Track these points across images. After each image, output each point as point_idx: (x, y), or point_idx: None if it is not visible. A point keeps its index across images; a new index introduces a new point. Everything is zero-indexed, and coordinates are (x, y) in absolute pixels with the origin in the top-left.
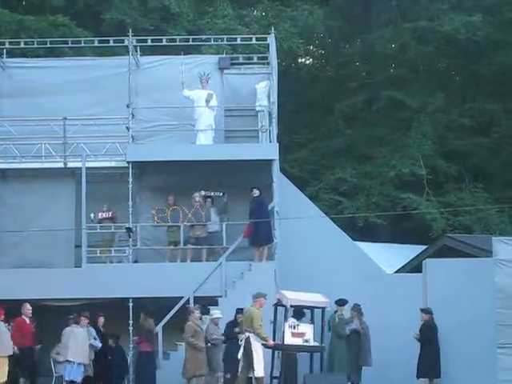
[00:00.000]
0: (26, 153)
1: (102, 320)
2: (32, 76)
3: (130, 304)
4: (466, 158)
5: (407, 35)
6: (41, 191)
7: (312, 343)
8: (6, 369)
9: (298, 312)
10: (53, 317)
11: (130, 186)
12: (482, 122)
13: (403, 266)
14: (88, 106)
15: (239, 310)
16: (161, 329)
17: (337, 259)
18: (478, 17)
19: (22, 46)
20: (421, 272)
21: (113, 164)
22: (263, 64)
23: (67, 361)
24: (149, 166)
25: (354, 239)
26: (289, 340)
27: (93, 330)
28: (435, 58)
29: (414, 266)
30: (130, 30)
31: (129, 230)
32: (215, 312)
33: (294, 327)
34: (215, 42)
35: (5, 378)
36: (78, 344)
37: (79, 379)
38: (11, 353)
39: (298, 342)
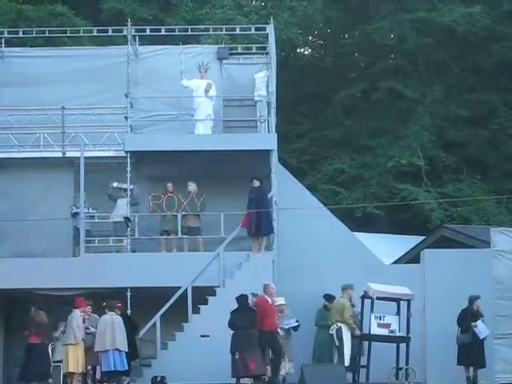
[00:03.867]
0: (25, 142)
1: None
2: (30, 65)
3: (128, 294)
4: (465, 149)
5: (406, 26)
6: (39, 180)
7: (398, 334)
8: (77, 358)
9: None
10: (49, 306)
11: (129, 175)
12: (481, 113)
13: (401, 257)
14: (86, 96)
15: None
16: (159, 319)
17: (335, 249)
18: (478, 8)
19: (21, 35)
20: (419, 262)
21: (111, 154)
22: (262, 54)
23: (106, 351)
24: (147, 155)
25: (352, 230)
26: (375, 330)
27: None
28: (434, 49)
29: (412, 257)
30: (129, 20)
31: (127, 219)
32: (279, 299)
33: (380, 318)
34: (214, 32)
35: (80, 369)
36: (119, 332)
37: (127, 367)
38: (78, 341)
39: (384, 332)
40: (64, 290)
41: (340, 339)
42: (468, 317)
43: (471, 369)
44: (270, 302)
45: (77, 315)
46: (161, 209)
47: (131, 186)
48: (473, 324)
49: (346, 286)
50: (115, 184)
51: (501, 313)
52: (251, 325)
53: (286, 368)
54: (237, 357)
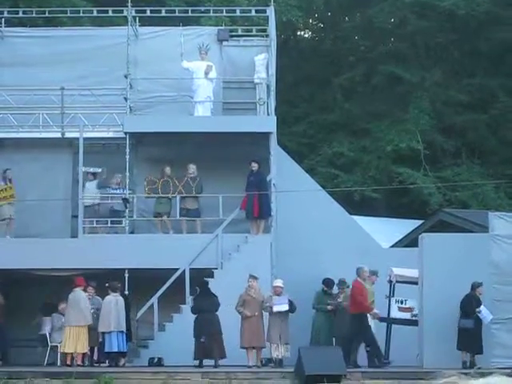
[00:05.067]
0: (24, 122)
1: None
2: (30, 45)
3: (126, 275)
4: (464, 134)
5: (407, 10)
6: (38, 161)
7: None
8: (86, 339)
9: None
10: (44, 288)
11: (127, 156)
12: (481, 98)
13: (400, 241)
14: (86, 76)
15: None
16: (156, 300)
17: (333, 233)
18: None
19: (21, 15)
20: (417, 246)
21: (110, 135)
22: (262, 36)
23: (108, 332)
24: (146, 136)
25: (351, 213)
26: (395, 314)
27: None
28: (434, 33)
29: (410, 241)
30: (129, 1)
31: (125, 200)
32: (276, 281)
33: (402, 302)
34: (214, 14)
35: (85, 350)
36: (122, 313)
37: (126, 348)
38: (89, 322)
39: (406, 316)
40: (62, 270)
41: None
42: (472, 302)
43: (468, 354)
44: (364, 284)
45: (83, 296)
46: (156, 193)
47: (99, 170)
48: (477, 310)
49: (371, 272)
50: (83, 168)
51: (499, 297)
52: (214, 309)
53: (284, 351)
54: (203, 340)
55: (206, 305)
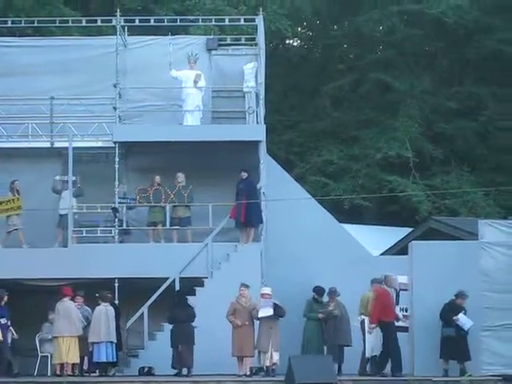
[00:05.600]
0: (13, 132)
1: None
2: (19, 55)
3: (116, 284)
4: (453, 142)
5: (395, 18)
6: (27, 171)
7: None
8: (77, 349)
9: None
10: (35, 297)
11: (117, 166)
12: (469, 105)
13: (389, 249)
14: (75, 86)
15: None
16: (146, 309)
17: (323, 241)
18: (466, 0)
19: (10, 24)
20: (407, 254)
21: (99, 144)
22: (251, 45)
23: (97, 342)
24: (136, 146)
25: (340, 221)
26: (399, 322)
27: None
28: (423, 41)
29: (400, 249)
30: (118, 10)
31: (115, 210)
32: (264, 288)
33: (407, 310)
34: (203, 23)
35: (76, 360)
36: (113, 323)
37: (116, 358)
38: (81, 332)
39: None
40: (52, 280)
41: (363, 331)
42: (450, 310)
43: (450, 362)
44: (390, 292)
45: (73, 306)
46: (148, 202)
47: (73, 178)
48: (454, 318)
49: (375, 279)
50: (57, 177)
51: (488, 305)
52: (190, 320)
53: (274, 359)
54: (180, 349)
55: (183, 315)
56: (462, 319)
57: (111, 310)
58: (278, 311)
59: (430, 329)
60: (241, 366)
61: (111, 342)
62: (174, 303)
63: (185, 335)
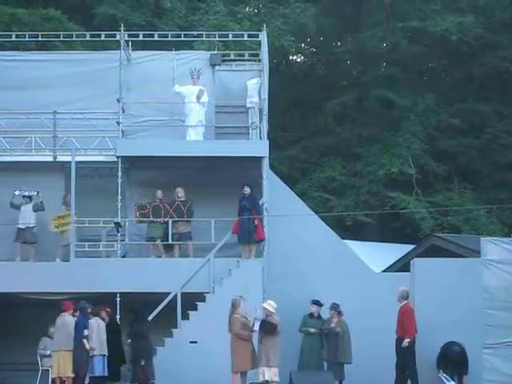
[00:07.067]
0: (16, 146)
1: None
2: (23, 69)
3: (118, 299)
4: (456, 159)
5: (399, 35)
6: (30, 184)
7: None
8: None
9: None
10: (36, 311)
11: (120, 180)
12: (472, 122)
13: (391, 265)
14: (78, 100)
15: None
16: None
17: (325, 257)
18: (470, 18)
19: (14, 39)
20: (409, 271)
21: (102, 158)
22: (254, 61)
23: (92, 356)
24: (138, 160)
25: (343, 238)
26: None
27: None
28: (426, 58)
29: (402, 265)
30: (122, 25)
31: (117, 224)
32: (269, 301)
33: None
34: (207, 38)
35: (71, 374)
36: (104, 337)
37: (107, 372)
38: None
39: None
40: (54, 294)
41: None
42: (441, 359)
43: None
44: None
45: (72, 320)
46: (147, 217)
47: (34, 193)
48: (439, 371)
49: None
50: (17, 192)
51: (491, 322)
52: (149, 334)
53: (272, 374)
54: (143, 363)
55: (144, 330)
56: (444, 379)
57: (102, 323)
58: (267, 327)
59: (432, 346)
60: (236, 382)
61: (103, 356)
62: (133, 319)
63: (149, 350)
